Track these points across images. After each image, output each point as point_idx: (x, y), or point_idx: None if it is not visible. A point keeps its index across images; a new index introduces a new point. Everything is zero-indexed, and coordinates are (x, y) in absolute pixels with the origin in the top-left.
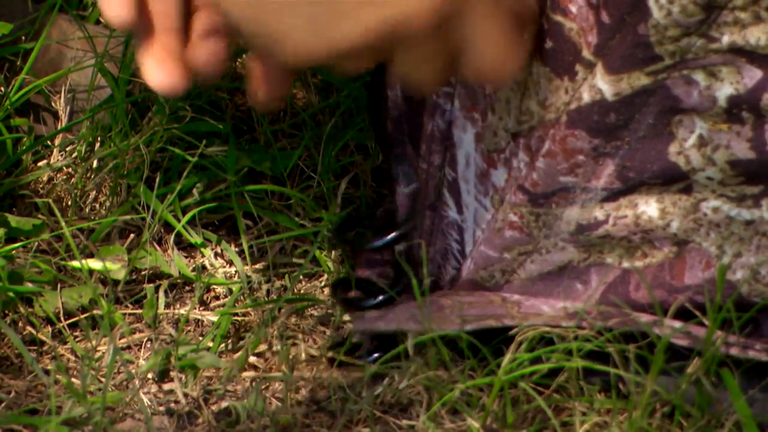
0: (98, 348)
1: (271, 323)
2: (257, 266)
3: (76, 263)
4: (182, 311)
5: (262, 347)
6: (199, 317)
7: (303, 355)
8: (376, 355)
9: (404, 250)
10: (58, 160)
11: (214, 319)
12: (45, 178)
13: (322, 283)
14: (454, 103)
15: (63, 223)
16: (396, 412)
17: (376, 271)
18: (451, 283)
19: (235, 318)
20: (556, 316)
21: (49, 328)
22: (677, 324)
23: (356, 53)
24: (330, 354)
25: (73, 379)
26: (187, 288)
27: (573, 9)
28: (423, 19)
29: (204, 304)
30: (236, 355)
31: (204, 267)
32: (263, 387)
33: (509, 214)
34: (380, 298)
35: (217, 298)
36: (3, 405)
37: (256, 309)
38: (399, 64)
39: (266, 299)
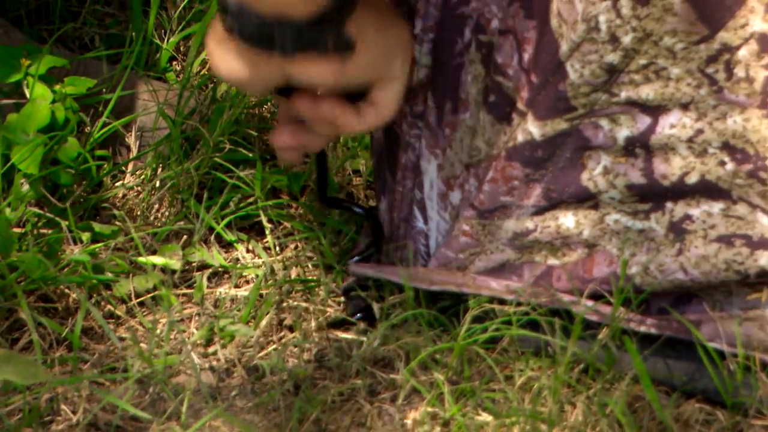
0: (160, 321)
1: (288, 299)
2: (278, 258)
3: (143, 258)
4: (221, 290)
5: (282, 317)
6: (234, 296)
7: (312, 325)
8: (359, 315)
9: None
10: (130, 181)
11: (246, 294)
12: (120, 195)
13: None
14: (422, 142)
15: (132, 229)
16: (381, 367)
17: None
18: None
19: (263, 293)
20: (501, 291)
21: (123, 306)
22: (590, 303)
23: None
24: (330, 316)
25: (141, 345)
26: (225, 275)
27: (510, 72)
28: None
29: (238, 287)
30: (262, 325)
31: (238, 259)
32: (282, 349)
33: (463, 225)
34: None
35: (247, 282)
36: (89, 364)
37: (277, 289)
38: None
39: (284, 281)
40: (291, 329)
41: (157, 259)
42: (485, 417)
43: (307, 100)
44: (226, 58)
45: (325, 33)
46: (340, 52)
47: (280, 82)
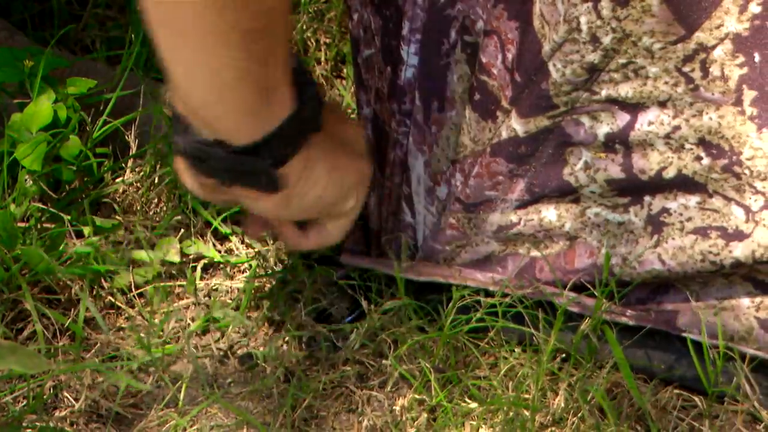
0: (158, 311)
1: (280, 291)
2: (271, 248)
3: (143, 253)
4: (217, 281)
5: (274, 307)
6: (229, 287)
7: (303, 314)
8: (350, 318)
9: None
10: (129, 177)
11: (241, 285)
12: (120, 190)
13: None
14: (409, 139)
15: (137, 224)
16: (370, 355)
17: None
18: None
19: (256, 284)
20: (486, 282)
21: (123, 297)
22: (573, 295)
23: None
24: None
25: (141, 334)
26: (220, 266)
27: (494, 71)
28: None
29: (232, 277)
30: (255, 314)
31: (232, 251)
32: (275, 338)
33: (449, 218)
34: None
35: (242, 272)
36: (91, 353)
37: (269, 280)
38: None
39: (276, 271)
40: (283, 318)
41: (156, 251)
42: (470, 404)
43: (255, 219)
44: (185, 176)
45: (257, 168)
46: (270, 191)
47: (233, 202)
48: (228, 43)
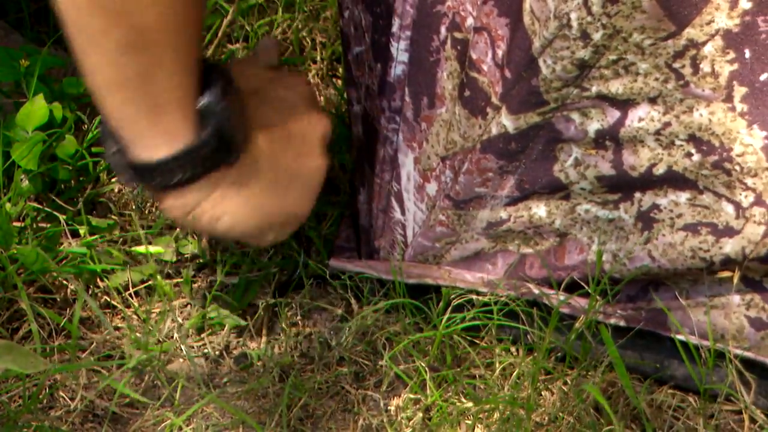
0: (153, 311)
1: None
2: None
3: (140, 248)
4: (212, 279)
5: (269, 305)
6: (224, 284)
7: (298, 313)
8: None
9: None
10: None
11: (236, 281)
12: (116, 190)
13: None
14: (399, 136)
15: (136, 220)
16: (366, 355)
17: (345, 255)
18: None
19: (249, 282)
20: (475, 283)
21: (119, 296)
22: (563, 297)
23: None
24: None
25: (137, 333)
26: (215, 265)
27: (485, 68)
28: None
29: (229, 275)
30: (249, 314)
31: (227, 248)
32: (269, 337)
33: (439, 215)
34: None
35: (236, 268)
36: (87, 352)
37: (263, 277)
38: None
39: (268, 263)
40: (278, 317)
41: (152, 248)
42: (466, 403)
43: None
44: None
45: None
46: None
47: None
48: (104, 49)
